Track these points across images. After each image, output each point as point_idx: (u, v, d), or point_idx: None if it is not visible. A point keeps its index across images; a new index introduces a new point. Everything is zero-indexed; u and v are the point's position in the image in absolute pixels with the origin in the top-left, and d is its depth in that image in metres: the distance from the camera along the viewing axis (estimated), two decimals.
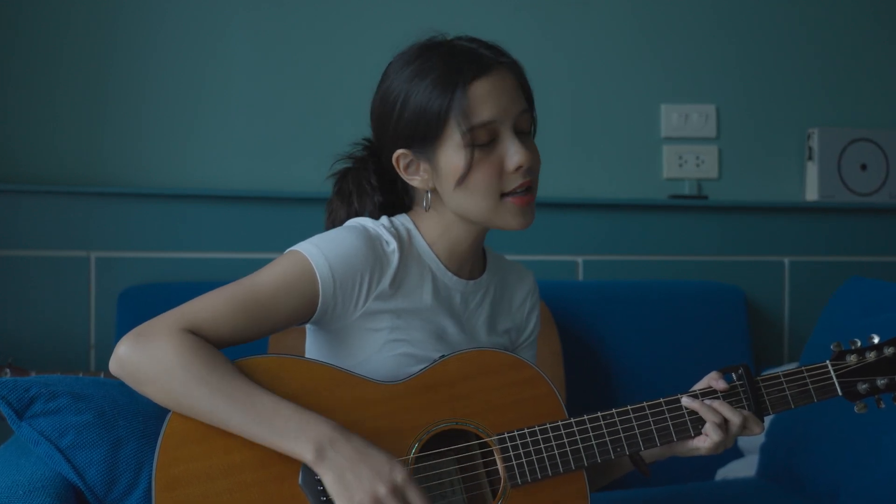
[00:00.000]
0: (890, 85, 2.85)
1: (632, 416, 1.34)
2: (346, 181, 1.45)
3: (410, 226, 1.39)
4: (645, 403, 1.35)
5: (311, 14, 2.49)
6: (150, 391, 1.20)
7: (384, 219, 1.38)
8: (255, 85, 2.46)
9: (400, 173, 1.37)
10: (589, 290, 2.43)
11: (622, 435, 1.33)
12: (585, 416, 1.33)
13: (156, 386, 1.20)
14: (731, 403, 1.37)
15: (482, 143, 1.30)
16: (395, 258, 1.33)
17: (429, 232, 1.39)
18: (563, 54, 2.62)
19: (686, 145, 2.71)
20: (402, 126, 1.34)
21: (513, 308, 1.50)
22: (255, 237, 2.39)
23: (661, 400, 1.36)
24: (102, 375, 1.89)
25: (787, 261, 2.74)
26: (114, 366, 1.21)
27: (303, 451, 1.17)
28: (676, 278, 2.64)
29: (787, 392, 1.40)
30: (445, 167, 1.32)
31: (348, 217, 1.42)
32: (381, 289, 1.32)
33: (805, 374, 1.41)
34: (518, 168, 1.31)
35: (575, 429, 1.32)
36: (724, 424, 1.34)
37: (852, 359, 1.42)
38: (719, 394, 1.38)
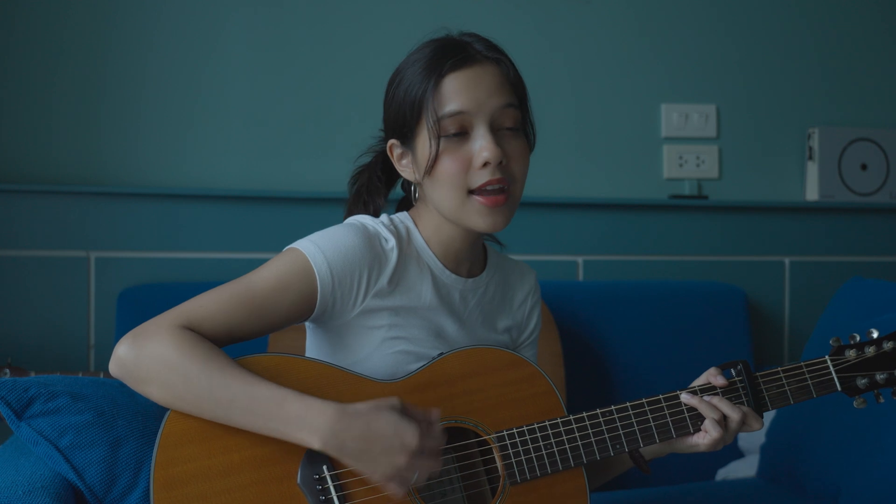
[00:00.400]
0: (890, 84, 2.85)
1: (631, 412, 1.34)
2: (361, 176, 1.46)
3: (409, 224, 1.39)
4: (644, 400, 1.35)
5: (310, 14, 2.49)
6: (150, 390, 1.20)
7: (384, 217, 1.38)
8: (254, 85, 2.46)
9: (394, 163, 1.39)
10: (589, 290, 2.43)
11: (621, 432, 1.33)
12: (584, 414, 1.33)
13: (157, 384, 1.19)
14: (730, 399, 1.36)
15: (450, 133, 1.29)
16: (393, 255, 1.33)
17: (425, 229, 1.39)
18: (563, 54, 2.62)
19: (686, 145, 2.71)
20: (391, 114, 1.36)
21: (514, 306, 1.49)
22: (254, 237, 2.38)
23: (661, 396, 1.36)
24: (102, 375, 1.89)
25: (787, 261, 2.74)
26: (113, 367, 1.21)
27: (309, 440, 1.17)
28: (677, 278, 2.63)
29: (787, 387, 1.39)
30: (420, 157, 1.33)
31: (356, 211, 1.43)
32: (380, 286, 1.32)
33: (804, 370, 1.41)
34: (485, 164, 1.29)
35: (574, 426, 1.32)
36: (722, 421, 1.34)
37: (851, 354, 1.42)
38: (718, 390, 1.37)
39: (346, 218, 1.44)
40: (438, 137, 1.29)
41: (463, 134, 1.30)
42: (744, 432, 1.37)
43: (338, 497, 1.20)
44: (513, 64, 1.35)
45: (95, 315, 2.31)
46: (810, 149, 2.76)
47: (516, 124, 1.33)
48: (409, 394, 1.28)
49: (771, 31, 2.77)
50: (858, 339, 1.43)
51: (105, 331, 2.30)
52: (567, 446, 1.31)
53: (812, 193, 2.76)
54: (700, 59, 2.73)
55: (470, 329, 1.41)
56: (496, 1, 2.59)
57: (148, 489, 1.21)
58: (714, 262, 2.69)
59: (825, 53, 2.80)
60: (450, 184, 1.30)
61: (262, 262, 1.32)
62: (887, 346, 1.42)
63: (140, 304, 2.20)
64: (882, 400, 1.42)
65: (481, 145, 1.29)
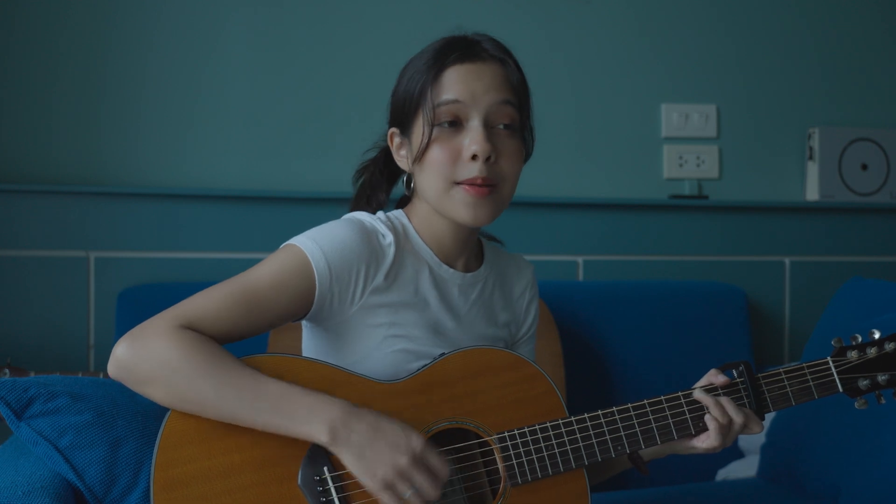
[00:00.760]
0: (891, 84, 2.85)
1: (632, 413, 1.33)
2: (366, 171, 1.47)
3: (405, 220, 1.40)
4: (646, 401, 1.34)
5: (310, 14, 2.49)
6: (151, 391, 1.19)
7: (381, 213, 1.39)
8: (253, 84, 2.46)
9: (393, 153, 1.40)
10: (589, 290, 2.43)
11: (623, 433, 1.32)
12: (586, 415, 1.32)
13: (158, 384, 1.19)
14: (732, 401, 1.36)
15: (444, 121, 1.30)
16: (391, 251, 1.33)
17: (418, 224, 1.39)
18: (563, 54, 2.62)
19: (686, 145, 2.71)
20: (395, 103, 1.37)
21: (512, 300, 1.49)
22: (254, 237, 2.38)
23: (662, 397, 1.35)
24: (101, 375, 1.89)
25: (787, 261, 2.74)
26: (112, 368, 1.20)
27: (317, 433, 1.16)
28: (677, 278, 2.63)
29: (788, 389, 1.39)
30: (414, 145, 1.34)
31: (369, 209, 1.43)
32: (378, 282, 1.32)
33: (806, 371, 1.40)
34: (473, 157, 1.29)
35: (575, 427, 1.31)
36: (727, 426, 1.34)
37: (853, 355, 1.42)
38: (720, 389, 1.37)
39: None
40: (432, 125, 1.30)
41: (457, 125, 1.31)
42: (746, 434, 1.37)
43: (339, 498, 1.20)
44: (519, 68, 1.36)
45: (95, 315, 2.31)
46: (810, 149, 2.76)
47: (513, 123, 1.33)
48: (411, 394, 1.28)
49: (771, 31, 2.77)
50: (860, 339, 1.43)
51: (105, 331, 2.30)
52: (568, 447, 1.31)
53: (812, 193, 2.76)
54: (700, 59, 2.72)
55: (469, 324, 1.41)
56: (496, 1, 2.59)
57: (148, 489, 1.20)
58: (714, 262, 2.68)
59: (825, 53, 2.80)
60: (436, 172, 1.31)
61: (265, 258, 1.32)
62: (889, 346, 1.42)
63: (140, 304, 2.19)
64: (883, 401, 1.42)
65: (472, 138, 1.29)
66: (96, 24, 2.38)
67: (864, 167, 2.78)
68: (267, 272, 1.27)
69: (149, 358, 1.18)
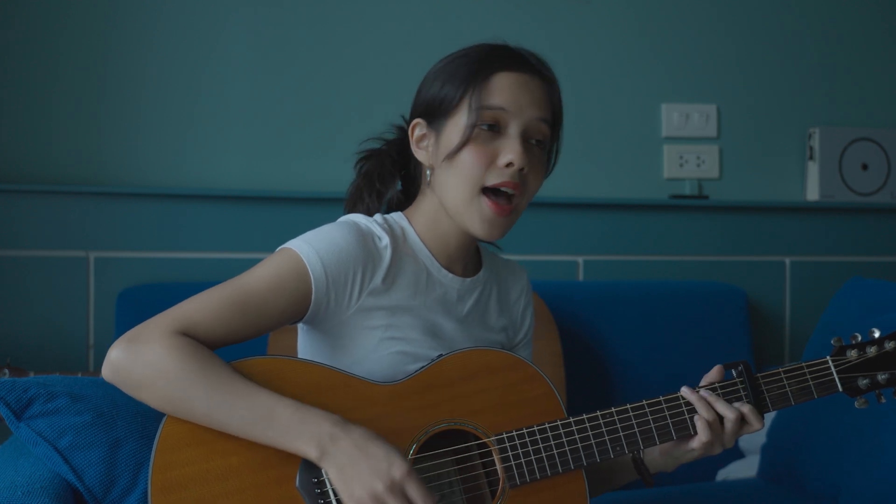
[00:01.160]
0: (891, 84, 2.85)
1: (631, 414, 1.33)
2: (371, 161, 1.45)
3: (404, 223, 1.39)
4: (644, 402, 1.34)
5: (310, 14, 2.49)
6: (145, 396, 1.20)
7: (378, 216, 1.38)
8: (253, 84, 2.46)
9: (411, 143, 1.39)
10: (589, 290, 2.43)
11: (621, 434, 1.32)
12: (584, 416, 1.32)
13: (151, 390, 1.19)
14: (730, 400, 1.36)
15: (485, 124, 1.31)
16: (387, 254, 1.33)
17: (421, 227, 1.39)
18: (563, 54, 2.62)
19: (687, 145, 2.71)
20: (428, 95, 1.36)
21: (509, 305, 1.49)
22: (254, 237, 2.38)
23: (661, 398, 1.35)
24: (101, 376, 1.89)
25: (788, 261, 2.74)
26: (107, 371, 1.20)
27: (305, 449, 1.16)
28: (677, 278, 2.63)
29: (788, 388, 1.38)
30: (444, 141, 1.34)
31: (370, 199, 1.43)
32: (374, 284, 1.32)
33: (805, 370, 1.40)
34: (508, 164, 1.31)
35: (574, 428, 1.31)
36: (715, 421, 1.33)
37: (853, 354, 1.41)
38: (717, 385, 1.36)
39: (349, 200, 1.45)
40: (474, 125, 1.30)
41: (495, 130, 1.32)
42: (746, 433, 1.36)
43: (336, 500, 1.20)
44: (559, 89, 1.38)
45: (95, 315, 2.31)
46: (811, 148, 2.76)
47: (544, 140, 1.36)
48: (409, 396, 1.28)
49: (771, 31, 2.77)
50: (860, 338, 1.43)
51: (104, 331, 2.30)
52: (567, 448, 1.30)
53: (813, 193, 2.75)
54: (700, 58, 2.72)
55: (467, 328, 1.40)
56: (496, 1, 2.59)
57: (147, 491, 1.20)
58: (714, 262, 2.68)
59: (826, 53, 2.80)
60: (467, 174, 1.31)
61: (259, 262, 1.31)
62: (889, 345, 1.41)
63: (139, 304, 2.19)
64: (883, 400, 1.42)
65: (511, 146, 1.31)
66: (96, 24, 2.38)
67: (865, 167, 2.77)
68: (263, 276, 1.26)
69: (143, 364, 1.18)
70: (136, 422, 1.41)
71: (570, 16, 2.64)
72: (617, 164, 2.67)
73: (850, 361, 1.41)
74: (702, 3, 2.72)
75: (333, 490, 1.20)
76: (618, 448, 1.32)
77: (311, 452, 1.16)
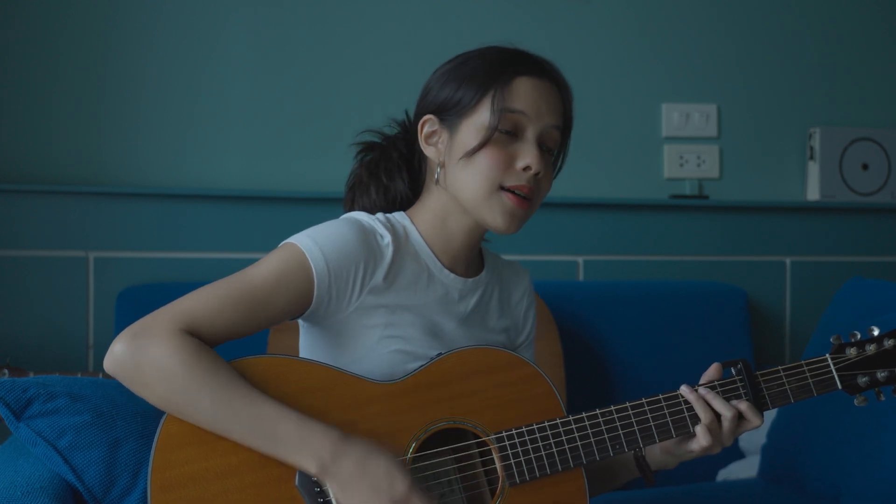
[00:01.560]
0: (892, 84, 2.84)
1: (630, 413, 1.33)
2: (375, 152, 1.45)
3: (407, 223, 1.39)
4: (644, 400, 1.34)
5: (310, 14, 2.49)
6: (147, 394, 1.20)
7: (380, 215, 1.38)
8: (254, 84, 2.46)
9: (420, 140, 1.39)
10: (589, 291, 2.43)
11: (621, 432, 1.32)
12: (584, 414, 1.32)
13: (154, 390, 1.19)
14: (728, 398, 1.35)
15: (505, 128, 1.32)
16: (389, 252, 1.33)
17: (425, 227, 1.38)
18: (563, 54, 2.59)
19: (687, 145, 2.71)
20: (442, 94, 1.36)
21: (511, 306, 1.49)
22: (254, 237, 2.38)
23: (660, 396, 1.35)
24: (101, 376, 1.89)
25: (788, 261, 2.74)
26: (109, 364, 1.20)
27: (306, 464, 1.18)
28: (677, 278, 2.63)
29: (787, 386, 1.38)
30: (460, 139, 1.34)
31: (377, 195, 1.42)
32: (375, 282, 1.32)
33: (805, 368, 1.40)
34: (526, 168, 1.32)
35: (573, 426, 1.31)
36: (714, 423, 1.33)
37: (852, 352, 1.41)
38: (716, 384, 1.36)
39: (349, 189, 1.45)
40: (496, 127, 1.31)
41: (512, 134, 1.33)
42: (746, 430, 1.36)
43: (336, 500, 1.20)
44: (571, 97, 1.41)
45: (94, 315, 2.31)
46: (811, 148, 2.76)
47: (555, 146, 1.38)
48: (409, 394, 1.28)
49: (771, 30, 2.77)
50: (859, 336, 1.43)
51: (104, 331, 2.30)
52: (566, 447, 1.30)
53: (813, 193, 2.75)
54: (701, 58, 2.72)
55: (468, 329, 1.40)
56: (496, 1, 2.59)
57: (147, 490, 1.20)
58: (714, 262, 2.68)
59: (826, 53, 2.80)
60: (484, 175, 1.32)
61: (264, 257, 1.31)
62: (888, 343, 1.41)
63: (139, 304, 2.19)
64: (883, 398, 1.42)
65: (529, 151, 1.33)
66: (96, 24, 2.38)
67: (865, 167, 2.77)
68: (266, 271, 1.27)
69: (147, 362, 1.18)
70: (136, 422, 1.41)
71: (570, 16, 2.64)
72: (617, 164, 2.67)
73: (849, 359, 1.41)
74: (702, 3, 2.72)
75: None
76: (617, 446, 1.32)
77: (311, 468, 1.17)
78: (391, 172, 1.43)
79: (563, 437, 1.30)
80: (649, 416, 1.34)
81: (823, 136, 2.73)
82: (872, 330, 1.43)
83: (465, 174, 1.33)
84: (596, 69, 2.65)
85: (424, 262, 1.37)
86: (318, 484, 1.20)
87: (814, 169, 2.75)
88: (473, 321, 1.42)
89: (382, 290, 1.32)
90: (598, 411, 1.33)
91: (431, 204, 1.39)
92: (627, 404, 1.34)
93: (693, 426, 1.34)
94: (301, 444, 1.17)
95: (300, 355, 1.40)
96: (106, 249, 2.32)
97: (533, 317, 1.53)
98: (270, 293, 1.25)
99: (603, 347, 2.35)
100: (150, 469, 1.17)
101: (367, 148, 1.46)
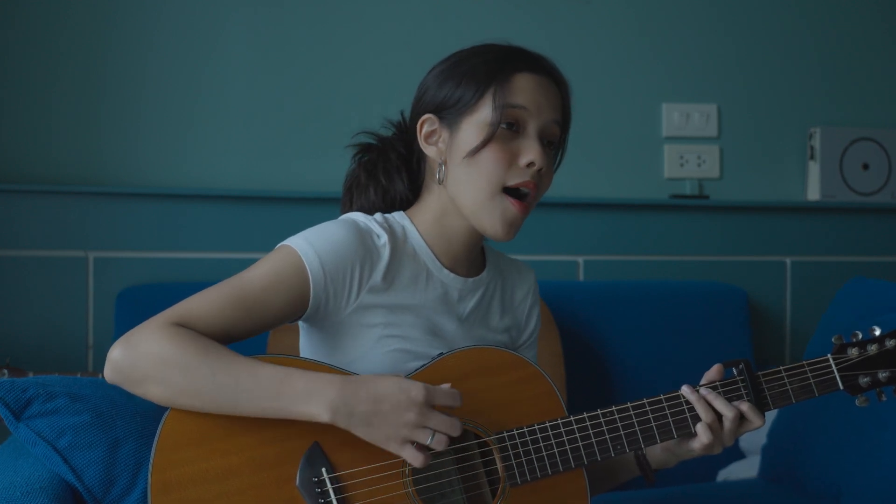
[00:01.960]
0: (892, 84, 2.84)
1: (632, 413, 1.33)
2: (372, 153, 1.44)
3: (406, 222, 1.39)
4: (645, 400, 1.34)
5: (310, 14, 2.49)
6: (148, 389, 1.19)
7: (378, 215, 1.38)
8: (253, 84, 2.46)
9: (419, 139, 1.38)
10: (589, 291, 2.43)
11: (622, 432, 1.32)
12: (585, 414, 1.32)
13: (155, 381, 1.18)
14: (730, 398, 1.35)
15: (506, 122, 1.32)
16: (385, 252, 1.32)
17: (425, 227, 1.38)
18: (563, 54, 2.59)
19: (687, 145, 2.71)
20: (442, 91, 1.36)
21: (514, 305, 1.49)
22: (254, 237, 2.38)
23: (662, 396, 1.35)
24: (100, 376, 1.88)
25: (788, 261, 2.73)
26: (109, 372, 1.20)
27: (317, 414, 1.17)
28: (677, 278, 2.63)
29: (789, 386, 1.38)
30: (461, 139, 1.33)
31: (375, 196, 1.42)
32: (374, 282, 1.31)
33: (806, 368, 1.40)
34: (529, 164, 1.32)
35: (574, 427, 1.31)
36: (715, 422, 1.33)
37: (854, 352, 1.41)
38: (718, 384, 1.36)
39: (346, 189, 1.45)
40: (498, 123, 1.31)
41: (514, 130, 1.33)
42: (747, 431, 1.36)
43: (337, 499, 1.20)
44: (570, 93, 1.42)
45: (94, 315, 2.31)
46: (812, 148, 2.76)
47: (555, 141, 1.38)
48: None
49: (772, 30, 2.76)
50: (861, 336, 1.42)
51: (104, 331, 2.30)
52: (567, 447, 1.30)
53: (813, 193, 2.75)
54: (701, 58, 2.72)
55: (469, 328, 1.40)
56: (496, 1, 2.59)
57: (147, 490, 1.20)
58: (715, 262, 2.68)
59: (826, 53, 2.80)
60: (488, 173, 1.31)
61: (259, 259, 1.31)
62: (890, 343, 1.41)
63: (139, 304, 2.19)
64: (884, 398, 1.41)
65: (532, 146, 1.32)
66: (96, 24, 2.37)
67: (866, 167, 2.77)
68: (261, 273, 1.26)
69: (143, 356, 1.18)
70: (136, 422, 1.41)
71: (570, 16, 2.63)
72: (617, 164, 2.67)
73: (850, 359, 1.41)
74: (702, 3, 2.72)
75: (334, 489, 1.20)
76: (618, 446, 1.32)
77: (323, 417, 1.17)
78: (390, 173, 1.43)
79: (565, 438, 1.30)
80: (650, 416, 1.33)
81: (824, 135, 2.73)
82: (874, 330, 1.43)
83: (468, 174, 1.32)
84: (596, 69, 2.65)
85: (423, 261, 1.37)
86: (318, 484, 1.20)
87: (814, 169, 2.75)
88: (474, 321, 1.42)
89: (381, 290, 1.32)
90: (599, 411, 1.32)
91: (431, 204, 1.39)
92: (629, 404, 1.33)
93: (694, 426, 1.34)
94: (309, 396, 1.17)
95: (300, 356, 1.40)
96: (106, 249, 2.32)
97: (537, 316, 1.52)
98: (266, 296, 1.25)
99: (603, 347, 2.35)
100: (150, 469, 1.17)
101: (364, 150, 1.45)
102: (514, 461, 1.28)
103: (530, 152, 1.32)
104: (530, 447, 1.29)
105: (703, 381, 1.38)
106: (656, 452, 1.40)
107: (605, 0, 2.65)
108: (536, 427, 1.30)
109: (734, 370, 1.39)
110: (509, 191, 1.33)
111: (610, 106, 2.66)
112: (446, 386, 1.21)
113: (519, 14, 2.60)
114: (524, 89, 1.33)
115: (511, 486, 1.28)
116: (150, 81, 2.40)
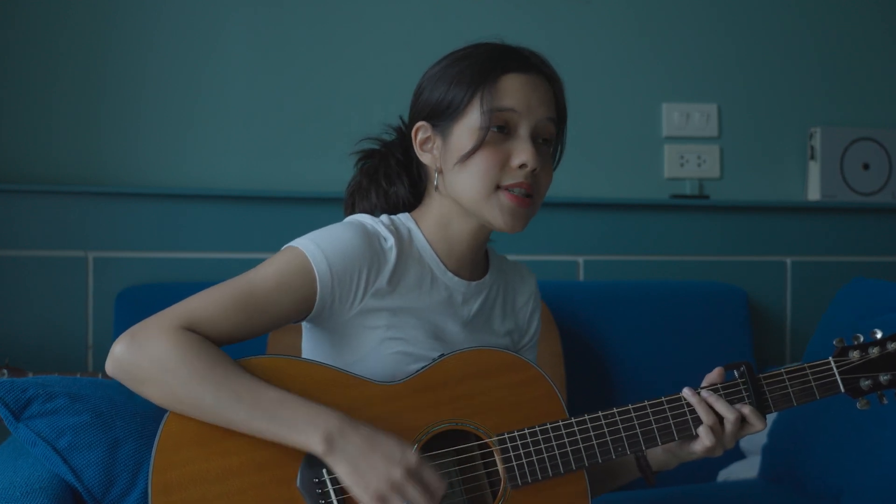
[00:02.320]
0: (892, 84, 2.84)
1: (633, 414, 1.33)
2: (374, 159, 1.45)
3: (411, 225, 1.39)
4: (646, 402, 1.34)
5: (310, 14, 2.49)
6: (149, 391, 1.19)
7: (384, 217, 1.38)
8: (253, 84, 2.46)
9: (415, 147, 1.38)
10: (590, 291, 2.43)
11: (623, 434, 1.32)
12: (586, 416, 1.32)
13: (155, 385, 1.18)
14: (731, 401, 1.35)
15: (496, 126, 1.31)
16: (392, 255, 1.32)
17: (429, 229, 1.38)
18: (563, 54, 2.60)
19: (687, 145, 2.71)
20: (432, 98, 1.36)
21: (515, 309, 1.49)
22: (254, 237, 2.38)
23: (663, 398, 1.35)
24: (100, 376, 1.89)
25: (788, 261, 2.73)
26: (110, 366, 1.20)
27: (312, 443, 1.16)
28: (678, 278, 2.63)
29: (790, 389, 1.38)
30: (454, 144, 1.33)
31: (377, 198, 1.42)
32: (379, 286, 1.31)
33: (807, 371, 1.40)
34: (521, 165, 1.31)
35: (575, 428, 1.31)
36: (717, 425, 1.33)
37: (855, 355, 1.41)
38: (719, 386, 1.36)
39: (349, 195, 1.44)
40: (487, 128, 1.30)
41: (506, 131, 1.32)
42: (748, 433, 1.36)
43: (337, 500, 1.20)
44: (562, 87, 1.40)
45: (94, 315, 2.31)
46: (812, 148, 2.76)
47: (551, 138, 1.37)
48: (410, 396, 1.27)
49: (772, 30, 2.76)
50: (862, 339, 1.42)
51: (103, 331, 2.30)
52: (568, 449, 1.30)
53: (814, 193, 2.75)
54: (701, 58, 2.72)
55: (472, 332, 1.40)
56: (496, 1, 2.59)
57: (146, 491, 1.20)
58: (715, 263, 2.68)
59: (826, 53, 2.79)
60: (482, 176, 1.31)
61: (261, 262, 1.31)
62: (891, 346, 1.41)
63: (138, 304, 2.19)
64: (885, 401, 1.41)
65: (523, 147, 1.31)
66: (96, 24, 2.37)
67: (866, 167, 2.77)
68: (269, 274, 1.26)
69: (147, 358, 1.18)
70: (135, 422, 1.41)
71: (570, 16, 2.63)
72: (617, 164, 2.67)
73: (852, 362, 1.41)
74: (702, 3, 2.72)
75: (335, 490, 1.20)
76: (619, 448, 1.31)
77: (317, 448, 1.16)
78: (390, 177, 1.43)
79: (566, 440, 1.30)
80: (651, 418, 1.33)
81: (824, 135, 2.73)
82: (875, 333, 1.43)
83: (463, 178, 1.32)
84: (596, 69, 2.65)
85: (428, 264, 1.37)
86: (319, 485, 1.20)
87: (814, 169, 2.75)
88: (477, 324, 1.42)
89: (386, 293, 1.32)
90: (600, 413, 1.32)
91: (434, 209, 1.39)
92: (629, 406, 1.33)
93: (695, 428, 1.34)
94: (307, 424, 1.16)
95: (302, 356, 1.40)
96: (105, 249, 2.32)
97: (538, 320, 1.52)
98: (272, 296, 1.25)
99: (603, 347, 2.35)
100: (150, 470, 1.17)
101: (367, 155, 1.46)
102: (514, 463, 1.28)
103: (522, 154, 1.31)
104: (531, 449, 1.29)
105: (704, 384, 1.38)
106: (657, 454, 1.40)
107: (605, 0, 2.65)
108: (537, 429, 1.30)
109: (735, 373, 1.39)
110: (504, 188, 1.32)
111: (610, 106, 2.66)
112: (437, 474, 1.19)
113: (519, 14, 2.60)
114: (512, 90, 1.32)
115: (512, 488, 1.28)
116: (150, 81, 2.40)
